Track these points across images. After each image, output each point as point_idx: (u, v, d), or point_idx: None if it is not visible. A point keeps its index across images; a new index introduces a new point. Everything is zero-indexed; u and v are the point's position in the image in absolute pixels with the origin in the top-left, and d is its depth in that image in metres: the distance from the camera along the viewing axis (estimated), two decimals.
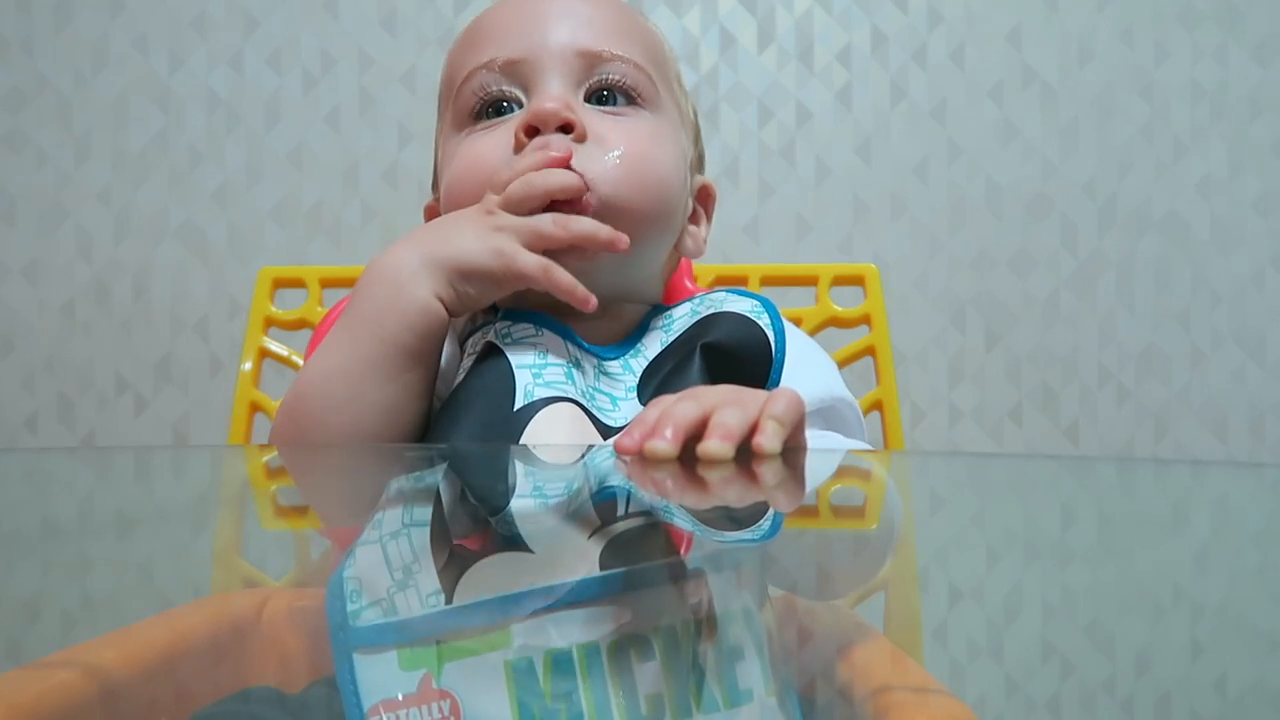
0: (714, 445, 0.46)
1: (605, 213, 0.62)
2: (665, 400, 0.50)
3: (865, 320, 1.04)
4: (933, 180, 1.44)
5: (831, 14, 1.44)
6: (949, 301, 1.43)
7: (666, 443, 0.46)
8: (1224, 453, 1.42)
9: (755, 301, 0.69)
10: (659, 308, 0.71)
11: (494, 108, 0.66)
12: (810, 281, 1.06)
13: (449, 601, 0.22)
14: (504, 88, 0.66)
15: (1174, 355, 1.43)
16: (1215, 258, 1.43)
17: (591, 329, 0.66)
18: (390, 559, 0.23)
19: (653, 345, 0.67)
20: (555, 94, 0.64)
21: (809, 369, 0.68)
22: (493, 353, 0.63)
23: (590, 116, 0.64)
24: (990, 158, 1.43)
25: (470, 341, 0.66)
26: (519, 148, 0.63)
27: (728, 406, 0.49)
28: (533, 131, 0.63)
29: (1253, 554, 0.35)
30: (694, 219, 0.74)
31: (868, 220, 1.44)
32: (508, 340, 0.63)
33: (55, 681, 0.22)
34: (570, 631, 0.21)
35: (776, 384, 0.65)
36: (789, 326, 0.71)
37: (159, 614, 0.27)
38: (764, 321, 0.67)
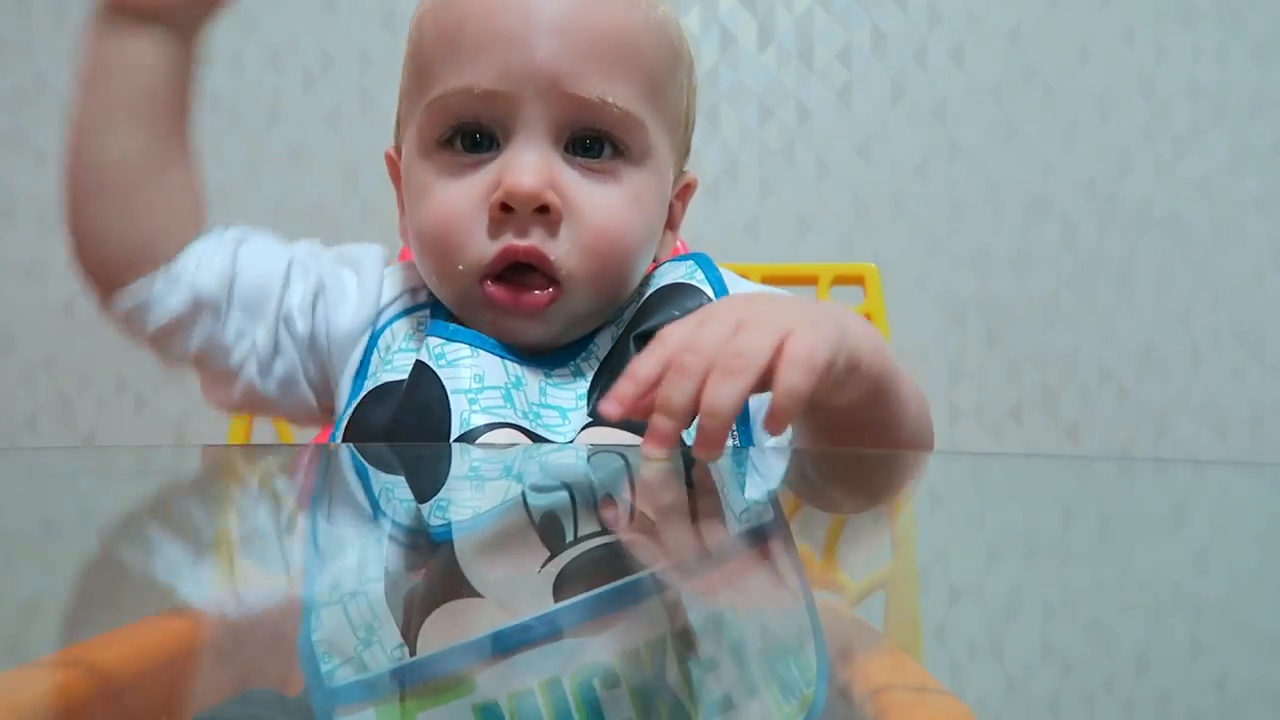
0: (701, 454, 0.46)
1: (571, 297, 0.62)
2: (649, 359, 0.48)
3: (865, 319, 1.04)
4: (933, 179, 1.44)
5: (831, 13, 1.44)
6: (949, 301, 1.43)
7: (661, 454, 0.46)
8: (1224, 452, 1.42)
9: (689, 262, 0.68)
10: None
11: (468, 138, 0.62)
12: (810, 281, 1.06)
13: (413, 653, 0.22)
14: (480, 120, 0.61)
15: (1174, 354, 1.43)
16: (1215, 257, 1.43)
17: (538, 345, 0.65)
18: (353, 619, 0.23)
19: (604, 342, 0.66)
20: (531, 162, 0.60)
21: None
22: (425, 375, 0.61)
23: (570, 183, 0.61)
24: (990, 157, 1.43)
25: (386, 343, 0.65)
26: (491, 221, 0.60)
27: (720, 378, 0.46)
28: (508, 207, 0.60)
29: (1253, 553, 0.35)
30: (670, 223, 0.71)
31: (868, 219, 1.44)
32: (441, 362, 0.61)
33: (55, 681, 0.22)
34: (532, 670, 0.21)
35: None
36: (735, 278, 0.68)
37: (159, 614, 0.27)
38: (698, 279, 0.66)
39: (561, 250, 0.61)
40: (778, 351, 0.46)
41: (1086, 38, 1.43)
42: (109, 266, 0.62)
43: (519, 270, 0.61)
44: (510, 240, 0.60)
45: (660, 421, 0.46)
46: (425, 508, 0.42)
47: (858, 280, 1.05)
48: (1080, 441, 1.43)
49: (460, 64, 0.61)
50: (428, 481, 0.49)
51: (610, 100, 0.61)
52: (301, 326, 0.65)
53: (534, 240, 0.60)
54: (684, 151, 0.71)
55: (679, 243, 0.75)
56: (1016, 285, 1.43)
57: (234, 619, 0.27)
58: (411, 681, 0.21)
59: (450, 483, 0.49)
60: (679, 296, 0.65)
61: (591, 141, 0.62)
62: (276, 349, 0.65)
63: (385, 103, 1.45)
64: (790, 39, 1.45)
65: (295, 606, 0.28)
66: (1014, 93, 1.43)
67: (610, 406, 0.47)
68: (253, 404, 0.66)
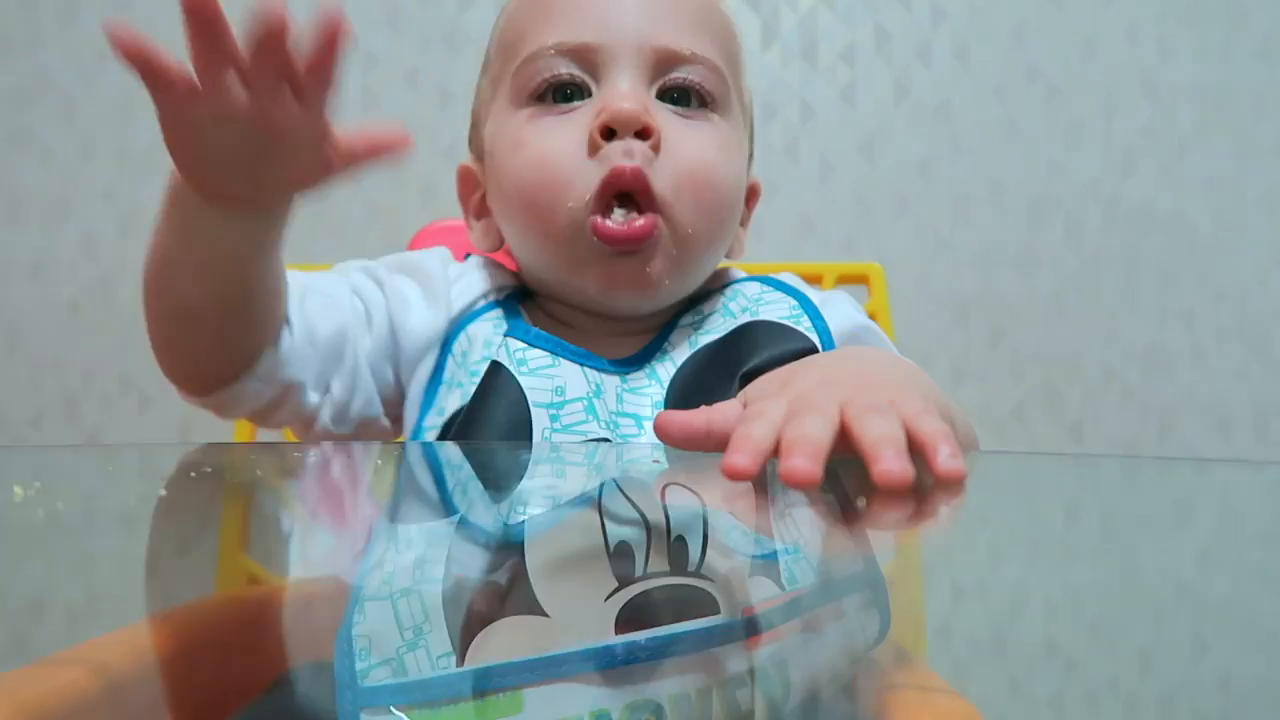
0: (893, 468, 0.33)
1: (671, 231, 0.61)
2: (772, 409, 0.38)
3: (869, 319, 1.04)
4: (937, 178, 1.43)
5: (835, 12, 1.44)
6: (953, 300, 1.43)
7: (809, 472, 0.33)
8: (1228, 450, 1.42)
9: (793, 301, 0.66)
10: (686, 300, 0.68)
11: (560, 92, 0.62)
12: (814, 280, 1.06)
13: (460, 664, 0.21)
14: (573, 72, 0.62)
15: (1178, 353, 1.43)
16: (1219, 256, 1.43)
17: (614, 343, 0.64)
18: (400, 618, 0.22)
19: (680, 347, 0.64)
20: (629, 91, 0.61)
21: (828, 304, 0.67)
22: (504, 379, 0.60)
23: (665, 121, 0.61)
24: (994, 156, 1.43)
25: (461, 348, 0.63)
26: (593, 149, 0.60)
27: (871, 416, 0.36)
28: (608, 132, 0.59)
29: (1256, 552, 0.35)
30: (742, 220, 0.70)
31: (871, 219, 1.44)
32: (523, 369, 0.60)
33: (61, 678, 0.22)
34: (583, 699, 0.20)
35: None
36: (800, 283, 0.69)
37: (164, 611, 0.27)
38: (804, 325, 0.64)
39: (661, 177, 0.60)
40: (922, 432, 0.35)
41: (1090, 37, 1.43)
42: (195, 379, 0.60)
43: (622, 203, 0.60)
44: (617, 161, 0.59)
45: (746, 435, 0.36)
46: (499, 511, 0.42)
47: (862, 279, 1.05)
48: (1084, 440, 1.42)
49: (553, 23, 0.63)
50: (505, 481, 0.48)
51: (700, 51, 0.63)
52: (376, 367, 0.64)
53: (638, 161, 0.59)
54: (749, 149, 0.71)
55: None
56: (1020, 284, 1.43)
57: (239, 616, 0.27)
58: (454, 693, 0.19)
59: (527, 485, 0.48)
60: (782, 338, 0.63)
61: (679, 94, 0.64)
62: (353, 392, 0.64)
63: (387, 103, 1.46)
64: (794, 38, 1.45)
65: (299, 603, 0.28)
66: (1018, 92, 1.43)
67: (670, 420, 0.40)
68: (323, 438, 0.65)
